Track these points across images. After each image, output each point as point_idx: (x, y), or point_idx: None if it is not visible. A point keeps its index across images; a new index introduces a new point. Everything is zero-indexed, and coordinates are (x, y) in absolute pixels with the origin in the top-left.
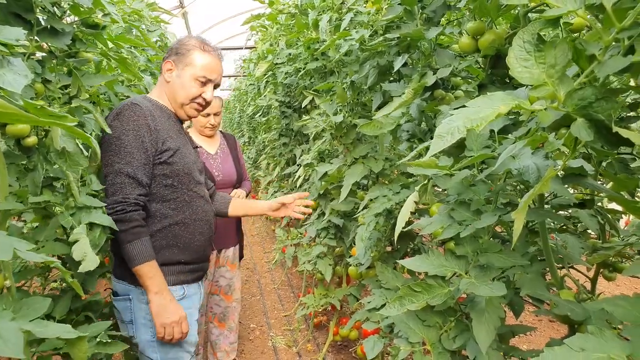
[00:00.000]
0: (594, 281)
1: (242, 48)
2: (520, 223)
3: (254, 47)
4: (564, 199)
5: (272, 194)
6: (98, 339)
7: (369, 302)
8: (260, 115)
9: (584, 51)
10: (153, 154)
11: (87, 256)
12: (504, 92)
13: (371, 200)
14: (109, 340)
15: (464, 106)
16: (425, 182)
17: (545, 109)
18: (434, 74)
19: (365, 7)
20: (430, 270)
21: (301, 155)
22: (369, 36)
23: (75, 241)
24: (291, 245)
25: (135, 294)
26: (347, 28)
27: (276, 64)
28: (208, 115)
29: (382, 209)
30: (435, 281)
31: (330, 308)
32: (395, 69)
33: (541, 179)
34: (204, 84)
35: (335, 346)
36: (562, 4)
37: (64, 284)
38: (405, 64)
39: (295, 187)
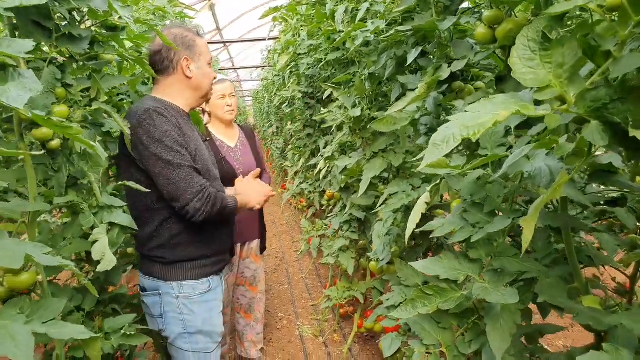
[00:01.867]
0: (632, 281)
1: (265, 39)
2: (530, 232)
3: (278, 38)
4: (596, 195)
5: (297, 185)
6: (123, 331)
7: (387, 300)
8: (286, 106)
9: (599, 47)
10: (188, 149)
11: (106, 256)
12: (506, 95)
13: (390, 195)
14: (133, 333)
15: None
16: (438, 182)
17: (552, 112)
18: (449, 67)
19: None
20: (442, 274)
21: (325, 146)
22: (387, 26)
23: (95, 241)
24: (316, 237)
25: (164, 289)
26: (365, 18)
27: (299, 54)
28: (223, 97)
29: (400, 205)
30: (448, 284)
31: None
32: (409, 61)
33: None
34: (210, 65)
35: (362, 337)
36: None
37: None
38: (424, 54)
39: (319, 178)
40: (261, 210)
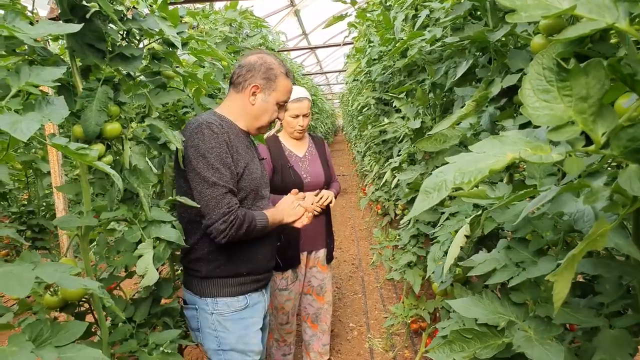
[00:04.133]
0: None
1: (340, 45)
2: (564, 287)
3: (352, 44)
4: None
5: (372, 192)
6: (162, 349)
7: (443, 328)
8: (366, 110)
9: (636, 75)
10: (233, 168)
11: (149, 272)
12: (519, 133)
13: (450, 215)
14: (170, 351)
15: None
16: (479, 212)
17: (568, 155)
18: (501, 82)
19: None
20: (481, 318)
21: (398, 154)
22: (444, 34)
23: (140, 255)
24: (389, 247)
25: (200, 304)
26: (427, 24)
27: (374, 60)
28: (297, 116)
29: (457, 227)
30: (489, 329)
31: None
32: (458, 75)
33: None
34: (281, 107)
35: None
36: (598, 15)
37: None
38: (486, 65)
39: (390, 187)
40: (328, 220)
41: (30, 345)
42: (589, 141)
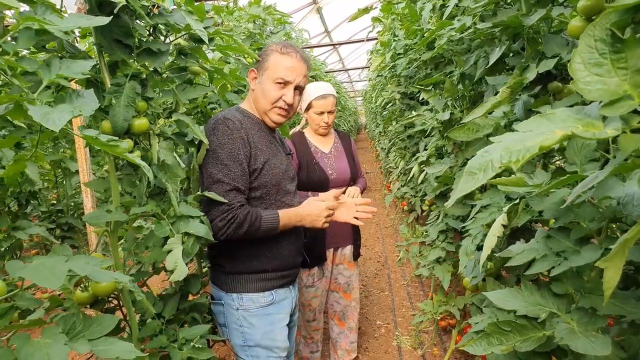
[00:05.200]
0: None
1: (363, 41)
2: (615, 274)
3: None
4: None
5: (398, 188)
6: (192, 344)
7: (476, 323)
8: (390, 106)
9: None
10: (247, 165)
11: (178, 267)
12: (569, 110)
13: (482, 207)
14: (200, 346)
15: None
16: (517, 201)
17: (623, 131)
18: (537, 67)
19: None
20: (520, 310)
21: (425, 149)
22: (474, 22)
23: (169, 250)
24: (415, 244)
25: (226, 300)
26: (455, 14)
27: (398, 54)
28: (322, 113)
29: (490, 219)
30: (528, 321)
31: None
32: (491, 62)
33: None
34: (283, 86)
35: (464, 353)
36: None
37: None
38: (519, 51)
39: (417, 183)
40: None
41: (64, 337)
42: None
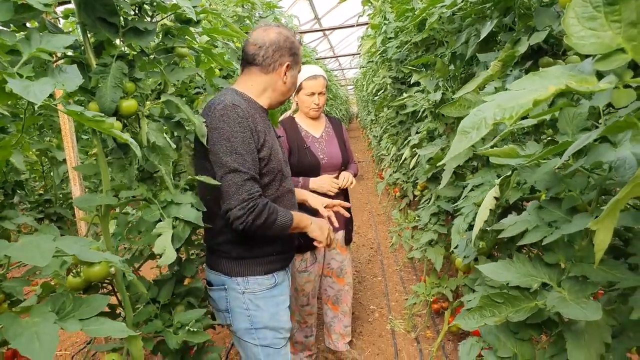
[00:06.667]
0: None
1: (353, 26)
2: (606, 236)
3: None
4: None
5: (390, 175)
6: (188, 327)
7: (469, 301)
8: (382, 92)
9: None
10: (257, 154)
11: (166, 251)
12: (562, 67)
13: (474, 187)
14: (196, 330)
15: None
16: (509, 173)
17: (616, 86)
18: (528, 40)
19: None
20: (513, 281)
21: (417, 132)
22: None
23: (159, 235)
24: (408, 229)
25: (230, 284)
26: None
27: (389, 38)
28: (312, 94)
29: (482, 198)
30: (521, 292)
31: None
32: (482, 36)
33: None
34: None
35: (456, 335)
36: None
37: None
38: (512, 28)
39: (409, 168)
40: (347, 201)
41: (54, 316)
42: (637, 72)
